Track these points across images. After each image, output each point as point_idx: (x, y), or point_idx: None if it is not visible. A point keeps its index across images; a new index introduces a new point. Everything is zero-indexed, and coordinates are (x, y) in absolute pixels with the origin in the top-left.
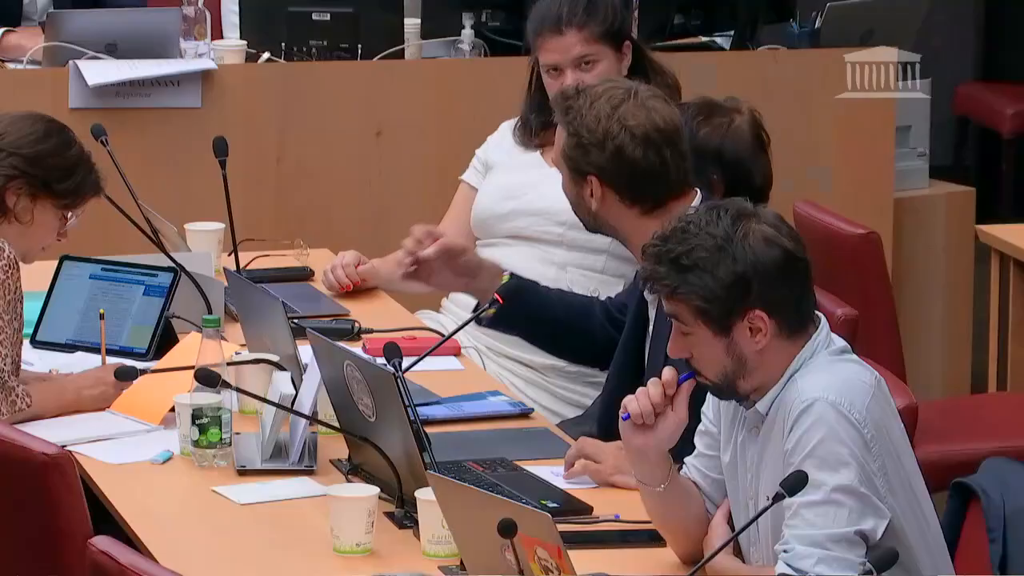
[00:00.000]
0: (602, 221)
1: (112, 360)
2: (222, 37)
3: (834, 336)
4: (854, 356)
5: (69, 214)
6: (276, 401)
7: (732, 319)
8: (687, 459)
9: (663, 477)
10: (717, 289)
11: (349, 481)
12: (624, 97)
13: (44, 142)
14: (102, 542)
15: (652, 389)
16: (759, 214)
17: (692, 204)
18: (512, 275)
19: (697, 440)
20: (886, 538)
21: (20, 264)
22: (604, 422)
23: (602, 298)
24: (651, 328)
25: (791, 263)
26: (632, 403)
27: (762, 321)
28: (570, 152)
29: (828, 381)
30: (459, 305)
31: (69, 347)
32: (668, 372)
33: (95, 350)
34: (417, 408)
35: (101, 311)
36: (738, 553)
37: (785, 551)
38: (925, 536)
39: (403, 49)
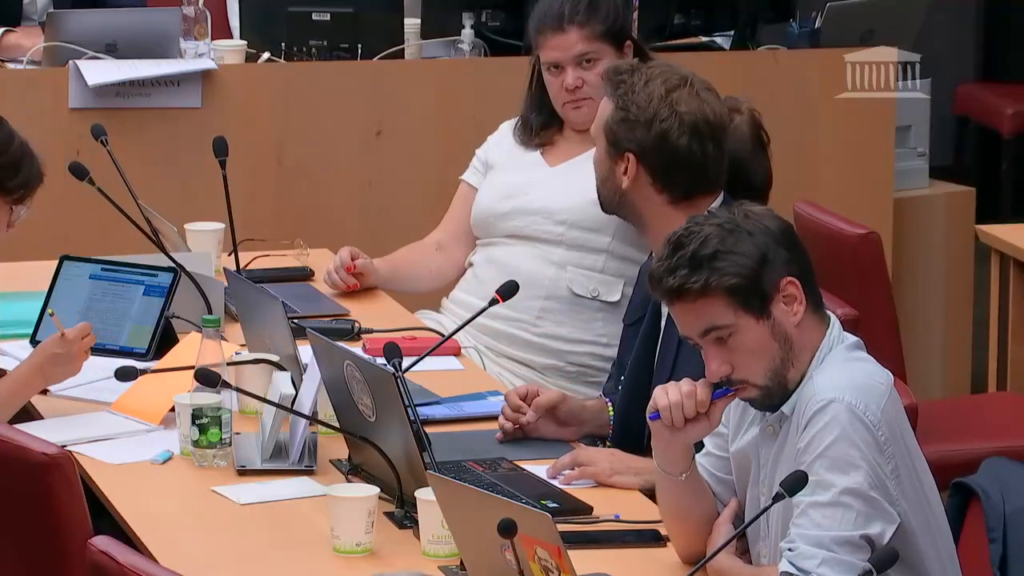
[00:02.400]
0: (627, 201)
1: (112, 360)
2: (231, 36)
3: (846, 333)
4: (867, 354)
5: (17, 208)
6: (276, 401)
7: (768, 294)
8: (697, 457)
9: (685, 467)
10: (748, 263)
11: (349, 481)
12: (679, 83)
13: None
14: (102, 542)
15: (686, 403)
16: (743, 204)
17: (715, 204)
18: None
19: (707, 440)
20: (895, 541)
21: None
22: (620, 440)
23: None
24: (661, 336)
25: (792, 229)
26: (665, 412)
27: (795, 287)
28: (614, 125)
29: (845, 381)
30: (459, 305)
31: None
32: (702, 390)
33: (97, 351)
34: (417, 408)
35: (50, 310)
36: (744, 550)
37: (790, 549)
38: (934, 538)
39: (403, 49)
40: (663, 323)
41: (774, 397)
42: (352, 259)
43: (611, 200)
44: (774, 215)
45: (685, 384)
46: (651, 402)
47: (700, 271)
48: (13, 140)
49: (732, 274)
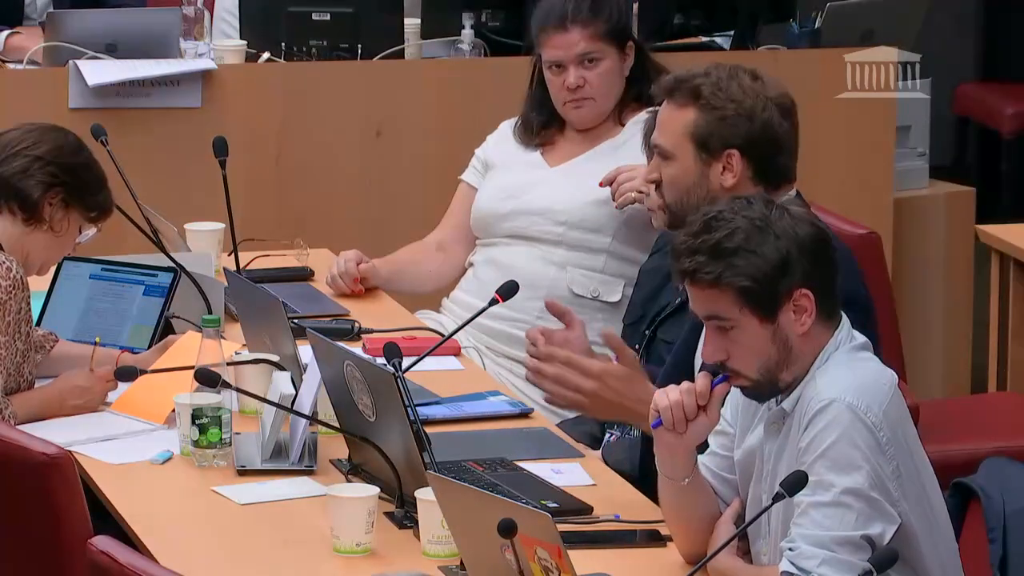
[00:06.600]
0: None
1: None
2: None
3: (855, 332)
4: (873, 354)
5: (87, 229)
6: (276, 401)
7: (779, 300)
8: (700, 458)
9: (688, 472)
10: (765, 267)
11: (349, 481)
12: (749, 72)
13: (77, 155)
14: (102, 542)
15: (686, 399)
16: (783, 202)
17: (789, 196)
18: None
19: (712, 439)
20: (895, 541)
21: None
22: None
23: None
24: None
25: (825, 239)
26: (666, 413)
27: (807, 299)
28: (710, 128)
29: (848, 381)
30: (459, 305)
31: None
32: (702, 380)
33: None
34: (417, 408)
35: (97, 338)
36: (747, 550)
37: (791, 549)
38: (935, 539)
39: (403, 49)
40: None
41: (763, 390)
42: (356, 264)
43: (694, 210)
44: (811, 222)
45: (683, 384)
46: (651, 408)
47: (717, 263)
48: (96, 162)
49: (746, 275)
